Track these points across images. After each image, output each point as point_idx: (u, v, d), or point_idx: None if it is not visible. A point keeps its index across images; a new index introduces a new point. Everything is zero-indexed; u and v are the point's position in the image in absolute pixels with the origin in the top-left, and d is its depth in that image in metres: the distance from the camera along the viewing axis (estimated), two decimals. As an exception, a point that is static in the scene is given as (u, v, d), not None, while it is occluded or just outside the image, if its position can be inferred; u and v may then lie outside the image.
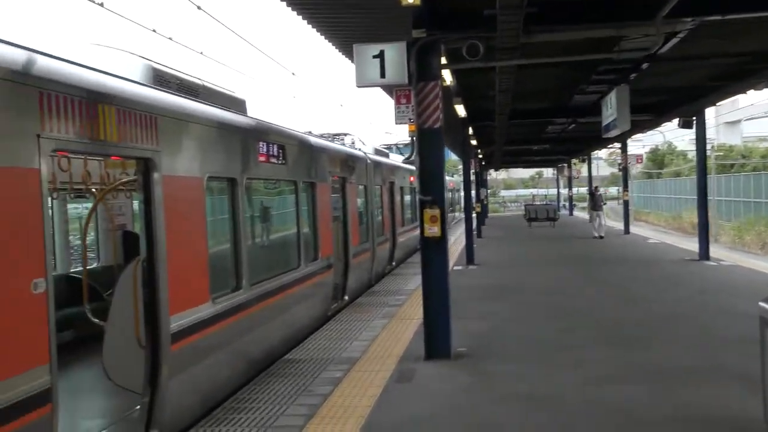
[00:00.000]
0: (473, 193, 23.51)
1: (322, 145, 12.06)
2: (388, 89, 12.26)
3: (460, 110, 16.52)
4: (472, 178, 24.29)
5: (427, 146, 8.52)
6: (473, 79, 12.93)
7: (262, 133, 8.94)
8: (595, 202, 27.05)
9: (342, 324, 11.11)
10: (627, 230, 29.03)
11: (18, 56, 4.45)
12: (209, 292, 6.93)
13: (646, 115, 18.38)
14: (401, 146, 31.79)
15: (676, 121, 18.21)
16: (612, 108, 12.95)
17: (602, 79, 13.55)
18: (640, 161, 37.07)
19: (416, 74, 8.34)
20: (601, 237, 26.02)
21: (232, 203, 7.89)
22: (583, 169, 51.51)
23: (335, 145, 13.59)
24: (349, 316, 11.80)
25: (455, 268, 18.66)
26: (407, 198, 22.96)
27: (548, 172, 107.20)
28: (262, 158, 8.77)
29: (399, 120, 8.65)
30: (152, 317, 5.94)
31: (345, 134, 17.33)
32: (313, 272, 10.77)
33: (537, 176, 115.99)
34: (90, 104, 5.08)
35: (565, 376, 7.60)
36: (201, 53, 12.22)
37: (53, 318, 4.49)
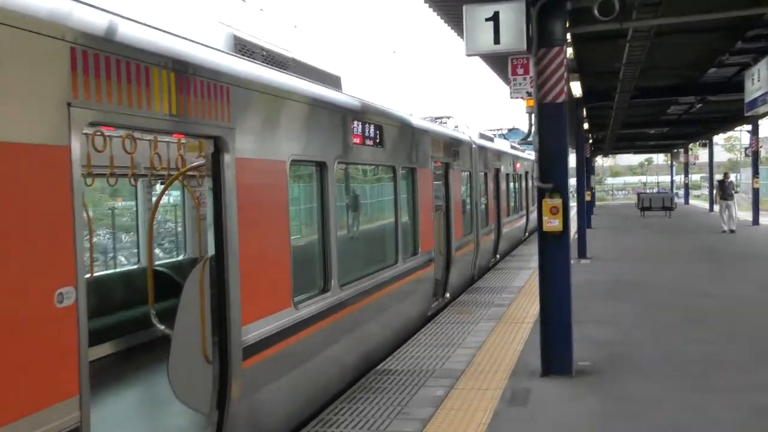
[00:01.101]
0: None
1: (423, 127, 10.89)
2: (499, 63, 10.98)
3: (575, 88, 14.95)
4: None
5: (547, 124, 7.20)
6: (595, 49, 11.42)
7: (357, 111, 7.86)
8: (724, 190, 23.58)
9: (443, 327, 9.96)
10: (756, 221, 26.38)
11: (39, 2, 3.51)
12: (291, 295, 5.93)
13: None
14: (506, 132, 30.19)
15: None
16: (762, 80, 11.12)
17: (747, 48, 11.71)
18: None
19: (536, 39, 7.03)
20: (732, 231, 22.95)
21: (321, 191, 6.86)
22: (701, 154, 48.09)
23: (438, 128, 12.39)
24: (450, 318, 10.63)
25: (566, 261, 17.12)
26: (512, 186, 21.51)
27: (658, 158, 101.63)
28: (356, 140, 7.70)
29: (515, 94, 7.37)
30: (221, 328, 4.97)
31: (448, 117, 16.06)
32: (412, 269, 9.66)
33: (646, 162, 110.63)
34: (140, 67, 4.11)
35: (723, 405, 6.15)
36: (295, 26, 11.27)
37: (85, 337, 3.55)
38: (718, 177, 27.26)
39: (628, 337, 8.96)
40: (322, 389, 6.66)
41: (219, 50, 5.52)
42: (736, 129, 30.91)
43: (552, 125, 7.21)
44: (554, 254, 7.26)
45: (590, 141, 29.31)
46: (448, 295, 12.30)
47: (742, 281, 13.24)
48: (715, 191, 24.22)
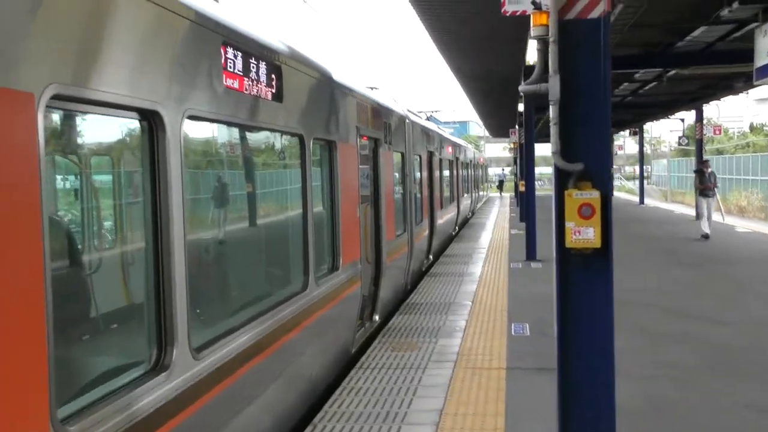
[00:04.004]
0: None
1: (347, 85, 7.55)
2: None
3: (533, 48, 11.92)
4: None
5: (576, 56, 4.03)
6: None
7: (235, 34, 4.43)
8: (704, 184, 17.85)
9: (374, 376, 6.71)
10: (699, 215, 24.37)
11: None
12: (50, 404, 2.51)
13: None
14: (429, 114, 27.23)
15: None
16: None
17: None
18: (718, 132, 31.98)
19: None
20: (706, 236, 17.69)
21: (153, 169, 3.42)
22: (626, 145, 46.80)
23: (366, 91, 9.04)
24: (383, 358, 7.38)
25: (512, 265, 14.23)
26: (446, 172, 18.56)
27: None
28: (231, 82, 4.29)
29: (512, 5, 4.14)
30: None
31: (373, 88, 12.79)
32: (330, 293, 6.34)
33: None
34: None
35: None
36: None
37: None
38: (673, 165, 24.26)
39: (648, 397, 5.99)
40: None
41: None
42: (669, 117, 28.98)
43: (584, 57, 4.04)
44: (587, 291, 4.10)
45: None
46: (377, 317, 9.07)
47: (745, 296, 10.59)
48: (694, 184, 18.93)
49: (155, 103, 3.31)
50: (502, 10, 4.30)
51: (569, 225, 4.02)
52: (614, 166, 79.18)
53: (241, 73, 4.43)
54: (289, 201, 5.88)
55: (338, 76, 7.24)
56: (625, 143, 66.95)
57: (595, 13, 4.03)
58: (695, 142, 24.68)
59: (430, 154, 14.87)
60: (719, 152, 57.73)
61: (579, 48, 4.04)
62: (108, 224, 3.49)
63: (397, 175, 10.83)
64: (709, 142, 65.72)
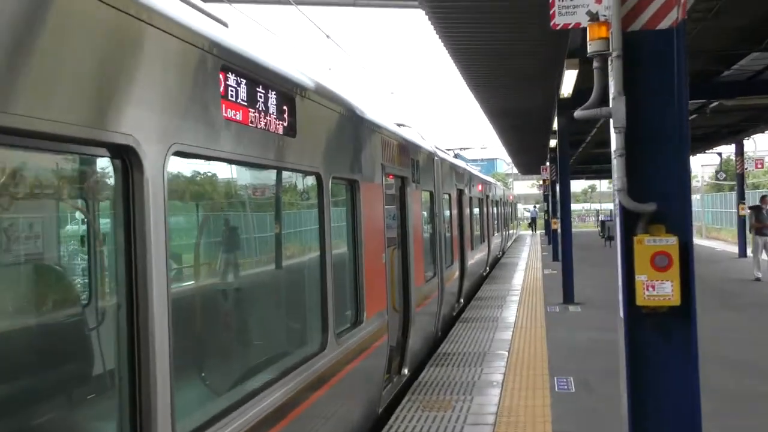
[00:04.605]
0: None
1: (373, 121, 6.92)
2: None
3: (569, 80, 11.28)
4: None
5: (645, 73, 3.34)
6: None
7: (238, 58, 3.81)
8: (763, 221, 16.26)
9: (406, 444, 5.95)
10: (744, 253, 23.29)
11: None
12: None
13: None
14: (457, 151, 26.64)
15: None
16: None
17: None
18: (760, 165, 30.81)
19: None
20: (757, 279, 16.20)
21: (126, 217, 2.77)
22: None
23: (392, 127, 8.42)
24: (413, 420, 6.62)
25: (548, 309, 13.39)
26: (476, 211, 17.87)
27: (602, 186, 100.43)
28: (233, 114, 3.66)
29: (562, 16, 3.47)
30: None
31: (401, 125, 12.15)
32: (353, 350, 5.63)
33: (590, 190, 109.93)
34: None
35: None
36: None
37: None
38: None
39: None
40: None
41: None
42: (707, 152, 28.04)
43: (655, 75, 3.34)
44: (664, 355, 3.34)
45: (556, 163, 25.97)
46: (406, 370, 8.30)
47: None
48: (748, 221, 17.39)
49: (128, 136, 2.67)
50: (552, 23, 3.63)
51: (640, 278, 3.28)
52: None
53: (245, 104, 3.81)
54: (303, 249, 5.21)
55: (362, 110, 6.61)
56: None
57: (665, 23, 3.35)
58: (736, 176, 23.67)
59: (460, 192, 14.21)
60: (755, 186, 56.22)
61: (647, 64, 3.35)
62: (64, 283, 2.84)
63: (425, 214, 10.15)
64: (746, 176, 64.12)
